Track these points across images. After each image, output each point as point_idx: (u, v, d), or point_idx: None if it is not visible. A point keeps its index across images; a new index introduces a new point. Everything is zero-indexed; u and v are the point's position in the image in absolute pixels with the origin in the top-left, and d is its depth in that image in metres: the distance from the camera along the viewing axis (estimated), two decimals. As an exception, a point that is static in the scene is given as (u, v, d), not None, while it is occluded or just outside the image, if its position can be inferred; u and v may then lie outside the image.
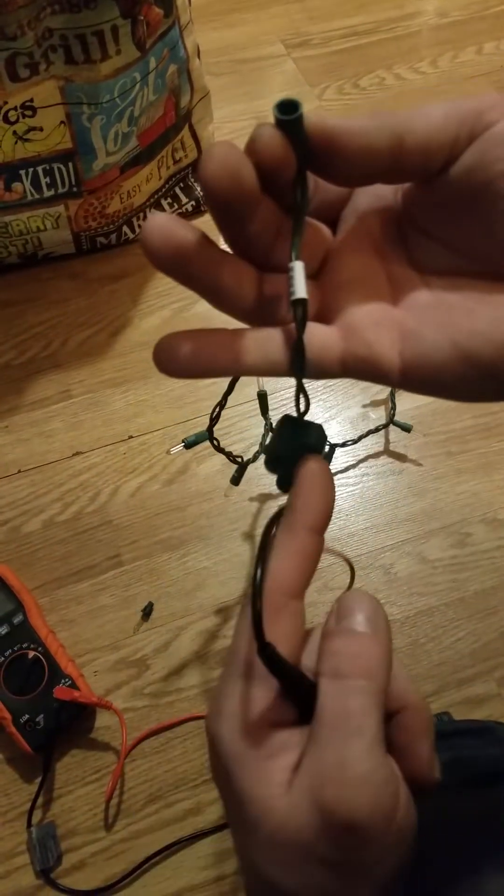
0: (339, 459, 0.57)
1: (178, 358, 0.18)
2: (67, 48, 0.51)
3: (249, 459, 0.49)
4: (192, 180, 0.70)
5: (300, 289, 0.17)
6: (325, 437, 0.19)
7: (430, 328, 0.18)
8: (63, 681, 0.46)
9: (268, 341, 0.18)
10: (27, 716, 0.45)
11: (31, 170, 0.57)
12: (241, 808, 0.18)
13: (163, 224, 0.17)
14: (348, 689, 0.17)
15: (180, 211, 0.69)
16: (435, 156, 0.17)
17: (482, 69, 0.83)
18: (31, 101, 0.53)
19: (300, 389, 0.19)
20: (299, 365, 0.18)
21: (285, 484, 0.19)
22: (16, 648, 0.47)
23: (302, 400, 0.19)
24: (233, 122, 0.78)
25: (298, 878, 0.17)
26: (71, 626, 0.50)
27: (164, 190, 0.68)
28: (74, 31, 0.50)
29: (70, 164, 0.58)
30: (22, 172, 0.56)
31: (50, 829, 0.44)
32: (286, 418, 0.19)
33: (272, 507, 0.55)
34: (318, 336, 0.18)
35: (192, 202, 0.70)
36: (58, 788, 0.46)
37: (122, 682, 0.49)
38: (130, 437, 0.58)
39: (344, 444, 0.56)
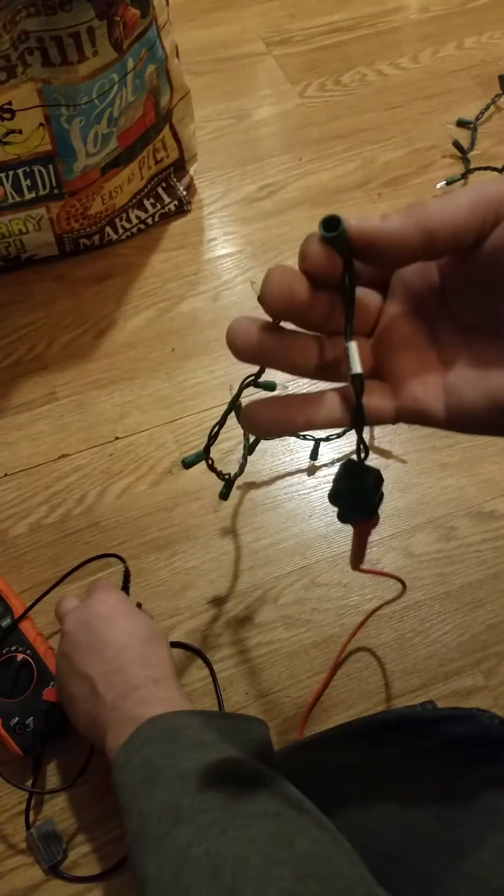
0: (325, 455, 0.58)
1: (261, 423, 0.21)
2: (44, 50, 0.51)
3: (236, 473, 0.50)
4: (175, 180, 0.70)
5: (356, 365, 0.21)
6: (382, 480, 0.23)
7: (468, 384, 0.21)
8: (52, 683, 0.46)
9: (333, 404, 0.22)
10: (17, 718, 0.45)
11: (11, 172, 0.57)
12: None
13: (245, 329, 0.21)
14: None
15: (163, 211, 0.69)
16: (464, 240, 0.20)
17: (463, 63, 0.83)
18: (10, 103, 0.52)
19: (360, 441, 0.22)
20: (360, 425, 0.22)
21: (345, 517, 0.23)
22: (4, 651, 0.47)
23: (361, 448, 0.23)
24: (214, 121, 0.78)
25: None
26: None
27: (146, 190, 0.68)
28: (50, 33, 0.50)
29: (50, 166, 0.57)
30: (2, 175, 0.56)
31: (49, 825, 0.44)
32: (350, 462, 0.23)
33: (256, 503, 0.55)
34: (375, 400, 0.22)
35: (175, 202, 0.70)
36: (49, 790, 0.46)
37: (111, 683, 0.49)
38: (117, 438, 0.59)
39: (328, 439, 0.56)
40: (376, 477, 0.23)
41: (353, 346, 0.21)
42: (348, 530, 0.25)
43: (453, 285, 0.22)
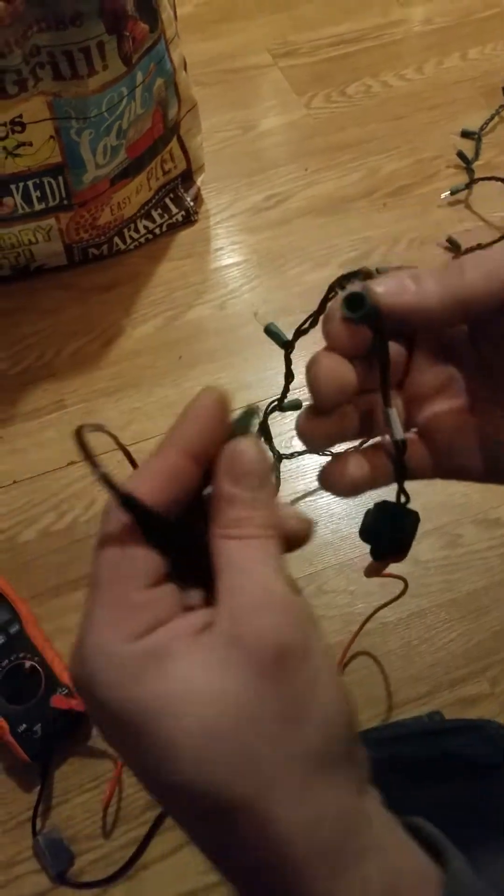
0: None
1: (323, 482, 0.22)
2: (55, 64, 0.52)
3: None
4: (182, 191, 0.71)
5: (398, 432, 0.21)
6: (418, 521, 0.24)
7: (501, 431, 0.21)
8: (60, 690, 0.46)
9: (378, 467, 0.22)
10: (24, 725, 0.45)
11: (21, 184, 0.57)
12: (159, 725, 0.16)
13: (311, 431, 0.21)
14: (251, 545, 0.18)
15: (170, 221, 0.70)
16: (494, 306, 0.19)
17: (467, 74, 0.84)
18: (21, 116, 0.53)
19: (402, 491, 0.23)
20: (401, 482, 0.23)
21: (379, 555, 0.24)
22: (12, 658, 0.47)
23: (400, 494, 0.24)
24: (221, 132, 0.79)
25: (251, 747, 0.16)
26: (67, 635, 0.51)
27: (154, 201, 0.69)
28: (61, 47, 0.51)
29: (60, 178, 0.58)
30: (13, 187, 0.57)
31: (56, 832, 0.44)
32: (388, 504, 0.23)
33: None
34: (415, 460, 0.23)
35: (182, 212, 0.71)
36: (56, 797, 0.46)
37: (118, 690, 0.49)
38: (125, 445, 0.59)
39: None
40: (415, 520, 0.23)
41: (394, 414, 0.21)
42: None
43: (484, 332, 0.21)
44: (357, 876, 0.16)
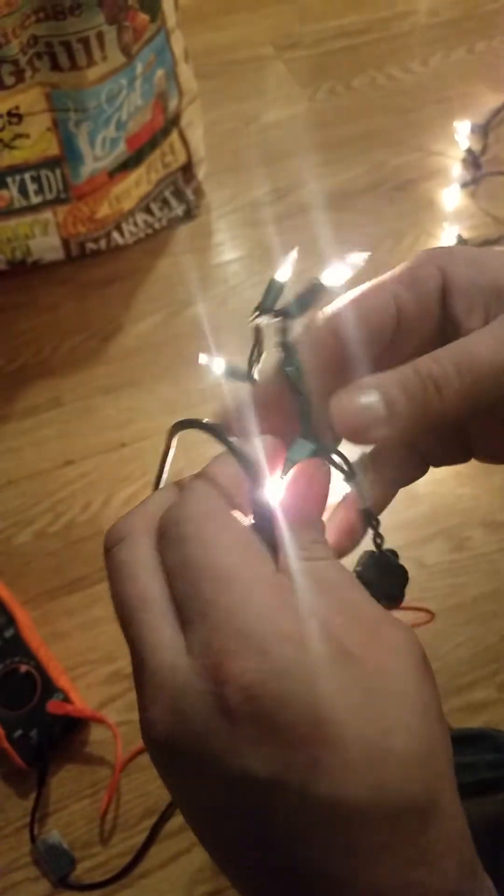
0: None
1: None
2: (53, 55, 0.51)
3: None
4: (183, 184, 0.69)
5: (366, 500, 0.22)
6: (407, 578, 0.24)
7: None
8: (56, 694, 0.45)
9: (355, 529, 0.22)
10: (20, 730, 0.44)
11: (18, 176, 0.56)
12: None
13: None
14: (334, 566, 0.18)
15: (170, 215, 0.69)
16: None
17: (473, 68, 0.82)
18: (17, 108, 0.52)
19: (378, 546, 0.23)
20: (377, 544, 0.23)
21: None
22: (7, 662, 0.46)
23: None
24: (223, 125, 0.77)
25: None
26: (63, 639, 0.50)
27: (153, 194, 0.68)
28: (59, 38, 0.50)
29: (58, 171, 0.57)
30: (9, 179, 0.56)
31: (54, 837, 0.43)
32: (373, 555, 0.24)
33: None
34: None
35: (183, 206, 0.69)
36: (53, 803, 0.45)
37: (116, 695, 0.48)
38: (123, 444, 0.58)
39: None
40: (403, 574, 0.24)
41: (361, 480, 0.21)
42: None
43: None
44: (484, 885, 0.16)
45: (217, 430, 0.18)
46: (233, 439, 0.18)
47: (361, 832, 0.14)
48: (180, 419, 0.19)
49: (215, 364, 0.20)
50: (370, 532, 0.24)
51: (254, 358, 0.21)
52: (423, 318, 0.19)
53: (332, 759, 0.14)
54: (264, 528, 0.18)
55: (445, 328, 0.19)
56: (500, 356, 0.17)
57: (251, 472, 0.18)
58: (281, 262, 0.21)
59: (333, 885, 0.14)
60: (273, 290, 0.20)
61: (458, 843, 0.15)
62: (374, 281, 0.19)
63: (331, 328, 0.19)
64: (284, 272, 0.21)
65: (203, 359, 0.22)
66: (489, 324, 0.18)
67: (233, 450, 0.18)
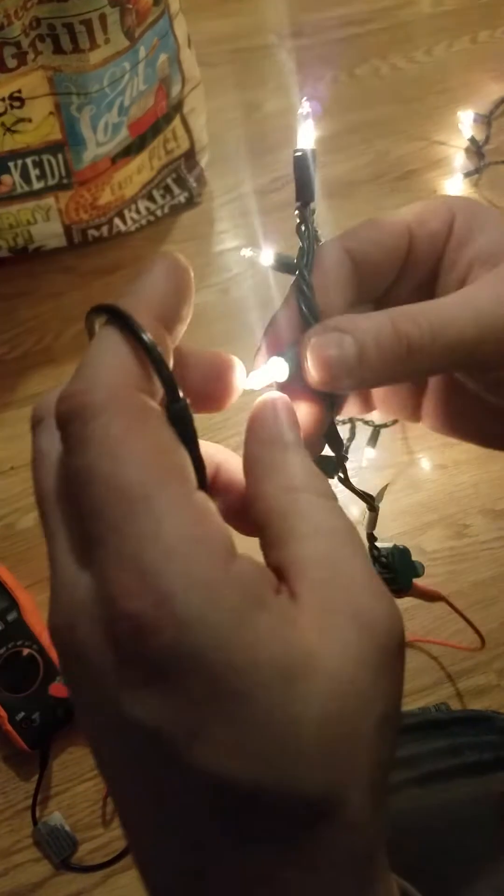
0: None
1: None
2: (55, 37, 0.50)
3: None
4: (185, 171, 0.69)
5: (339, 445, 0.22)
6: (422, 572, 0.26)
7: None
8: (58, 678, 0.45)
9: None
10: (23, 713, 0.44)
11: (20, 161, 0.56)
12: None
13: None
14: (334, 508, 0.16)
15: (173, 202, 0.69)
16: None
17: (477, 57, 0.82)
18: (19, 91, 0.52)
19: (357, 493, 0.23)
20: (355, 490, 0.23)
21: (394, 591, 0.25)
22: (10, 646, 0.46)
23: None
24: (226, 113, 0.77)
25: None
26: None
27: (156, 181, 0.67)
28: (62, 19, 0.49)
29: (60, 156, 0.57)
30: (11, 164, 0.56)
31: (57, 819, 0.44)
32: (405, 549, 0.26)
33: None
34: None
35: (185, 193, 0.69)
36: (55, 786, 0.45)
37: (118, 679, 0.48)
38: (125, 431, 0.58)
39: (385, 425, 0.55)
40: (417, 570, 0.26)
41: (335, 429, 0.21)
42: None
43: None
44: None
45: (129, 320, 0.15)
46: (145, 336, 0.15)
47: (239, 815, 0.13)
48: (94, 305, 0.16)
49: (263, 255, 0.19)
50: (369, 536, 0.25)
51: (305, 251, 0.20)
52: (430, 254, 0.20)
53: (223, 731, 0.12)
54: (186, 433, 0.15)
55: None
56: (475, 330, 0.17)
57: (163, 373, 0.15)
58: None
59: (207, 859, 0.13)
60: (302, 166, 0.19)
61: (350, 859, 0.13)
62: (393, 212, 0.20)
63: (345, 244, 0.19)
64: (306, 139, 0.20)
65: (246, 252, 0.20)
66: (471, 291, 0.18)
67: (146, 347, 0.15)
